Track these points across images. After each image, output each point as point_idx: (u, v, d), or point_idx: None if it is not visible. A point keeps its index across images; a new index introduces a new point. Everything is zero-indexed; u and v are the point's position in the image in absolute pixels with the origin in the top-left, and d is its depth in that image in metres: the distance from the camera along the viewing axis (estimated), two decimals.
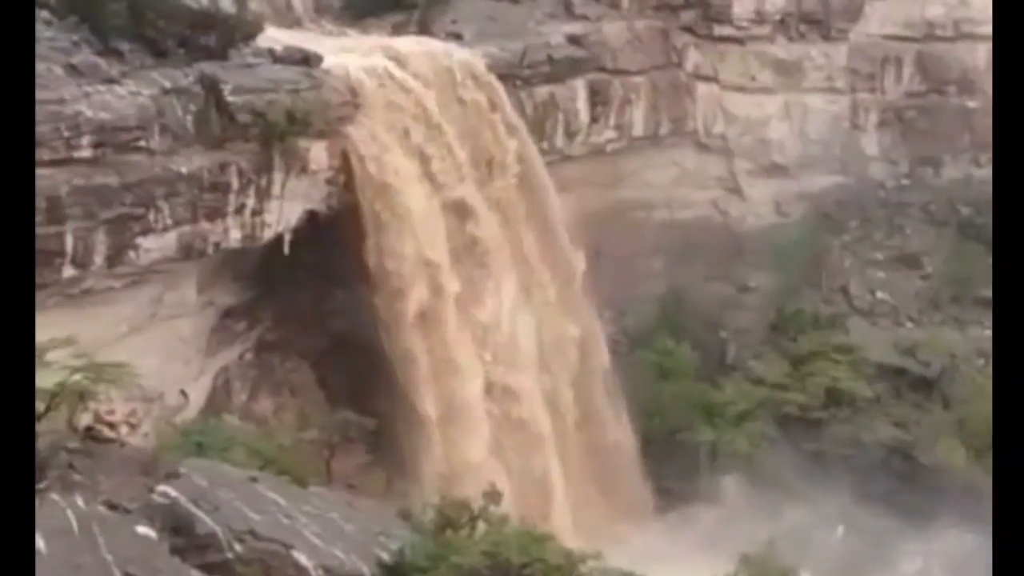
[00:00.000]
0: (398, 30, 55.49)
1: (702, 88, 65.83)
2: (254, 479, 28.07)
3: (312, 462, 39.87)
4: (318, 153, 45.93)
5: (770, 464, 56.15)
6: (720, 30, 65.26)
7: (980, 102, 64.76)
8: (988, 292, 61.18)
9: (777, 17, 65.98)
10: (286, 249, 46.20)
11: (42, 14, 41.64)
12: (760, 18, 65.73)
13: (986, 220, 62.92)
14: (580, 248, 55.54)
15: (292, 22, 53.52)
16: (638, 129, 63.13)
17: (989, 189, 68.13)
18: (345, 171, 46.78)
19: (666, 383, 59.40)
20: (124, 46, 42.63)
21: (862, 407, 58.42)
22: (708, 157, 66.76)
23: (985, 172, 64.96)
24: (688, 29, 65.11)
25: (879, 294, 64.07)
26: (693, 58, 65.41)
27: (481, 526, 32.39)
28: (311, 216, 46.67)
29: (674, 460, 56.41)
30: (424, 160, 48.80)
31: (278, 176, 44.97)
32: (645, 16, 63.81)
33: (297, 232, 46.29)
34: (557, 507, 50.78)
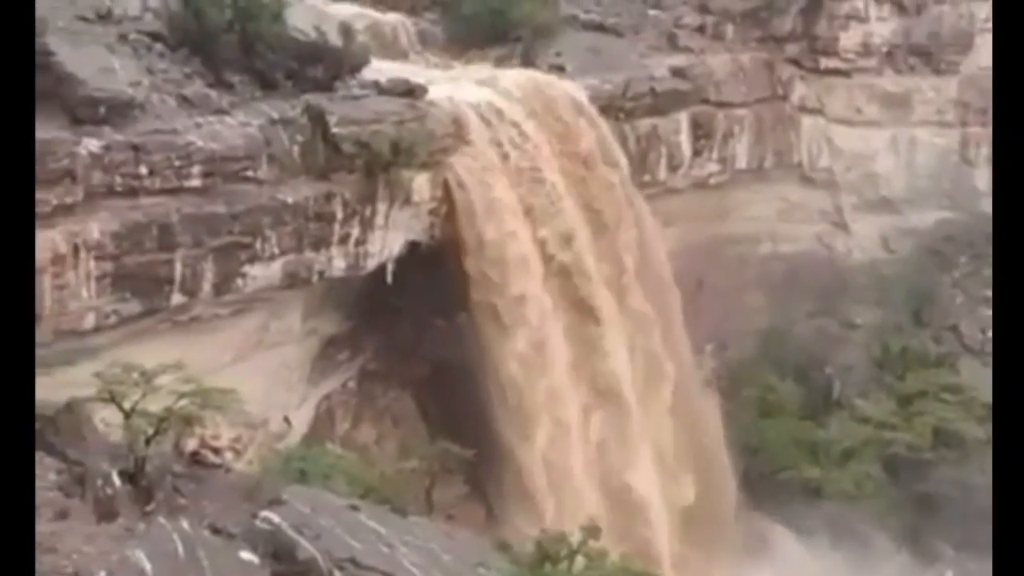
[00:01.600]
0: (502, 63, 55.74)
1: (807, 121, 65.08)
2: (355, 507, 28.13)
3: (412, 491, 39.90)
4: (421, 184, 46.22)
5: (876, 505, 54.87)
6: (826, 62, 64.54)
7: None
8: None
9: (885, 49, 65.08)
10: (389, 278, 46.50)
11: (156, 47, 42.70)
12: (867, 50, 64.87)
13: None
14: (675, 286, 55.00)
15: (398, 54, 54.05)
16: (741, 162, 62.50)
17: None
18: (447, 202, 47.01)
19: (769, 420, 58.51)
20: (234, 78, 43.44)
21: (972, 449, 56.79)
22: (813, 191, 65.87)
23: None
24: (793, 61, 64.49)
25: (990, 333, 62.40)
26: (798, 90, 64.73)
27: (580, 560, 32.09)
28: (413, 246, 46.96)
29: (776, 498, 55.36)
30: (526, 191, 48.83)
31: (382, 206, 45.34)
32: (750, 48, 63.31)
33: (399, 262, 46.60)
34: (657, 542, 50.11)
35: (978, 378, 59.71)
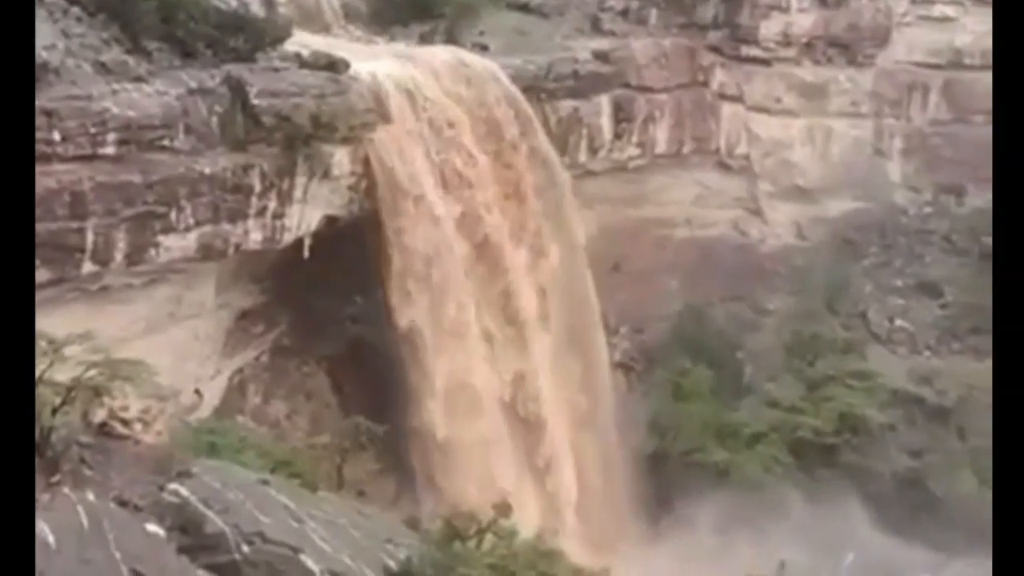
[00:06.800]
0: (425, 39, 55.64)
1: (727, 108, 65.79)
2: (265, 482, 28.07)
3: (323, 467, 39.79)
4: (341, 159, 46.06)
5: (782, 488, 55.88)
6: (747, 51, 65.28)
7: None
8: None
9: (804, 40, 65.98)
10: (306, 253, 46.29)
11: (73, 10, 41.88)
12: (787, 40, 65.71)
13: None
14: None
15: (321, 27, 53.66)
16: (661, 147, 63.07)
17: None
18: (367, 177, 46.88)
19: (681, 402, 59.17)
20: (153, 45, 42.83)
21: (877, 434, 58.09)
22: (730, 177, 66.67)
23: None
24: (715, 49, 65.15)
25: (898, 321, 63.79)
26: (719, 78, 65.40)
27: (490, 538, 32.31)
28: (331, 221, 46.77)
29: (686, 480, 56.16)
30: (445, 169, 48.86)
31: (300, 180, 45.07)
32: (672, 34, 63.86)
33: (317, 237, 46.39)
34: (567, 521, 50.64)
35: (884, 364, 61.18)
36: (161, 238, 40.93)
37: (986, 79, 65.21)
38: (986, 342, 60.99)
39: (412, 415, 48.49)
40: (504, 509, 35.47)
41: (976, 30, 66.26)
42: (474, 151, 49.97)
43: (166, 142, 40.95)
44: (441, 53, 52.85)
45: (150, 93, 40.99)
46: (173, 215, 41.02)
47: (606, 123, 59.87)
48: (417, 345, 48.35)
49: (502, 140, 51.41)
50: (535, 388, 51.46)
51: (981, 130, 65.67)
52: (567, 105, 57.64)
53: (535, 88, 55.20)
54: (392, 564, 26.75)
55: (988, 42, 65.31)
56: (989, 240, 63.06)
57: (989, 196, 64.01)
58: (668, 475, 56.54)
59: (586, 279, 54.62)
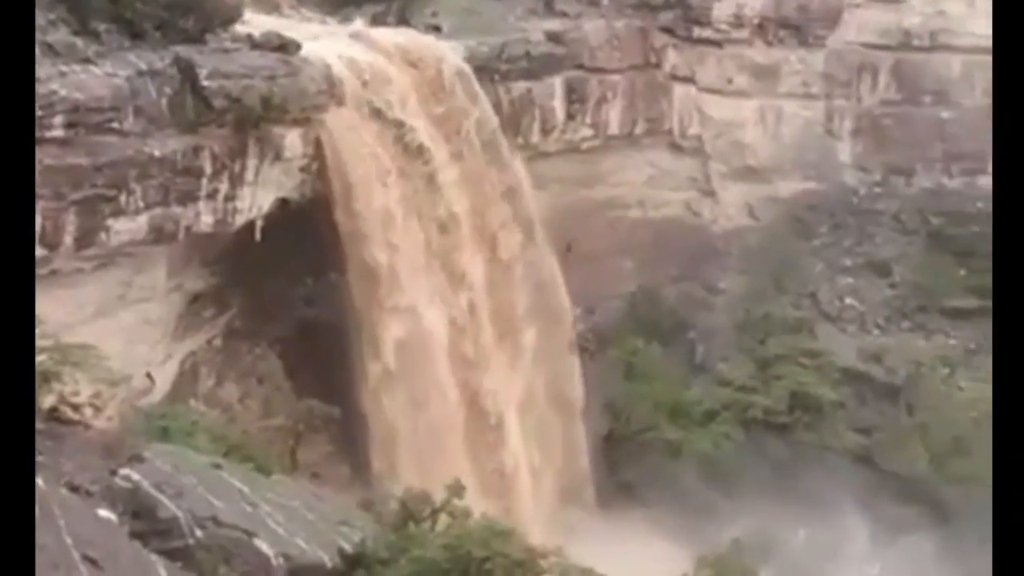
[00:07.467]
0: (377, 20, 55.39)
1: (679, 89, 65.92)
2: (218, 466, 28.10)
3: (276, 450, 39.83)
4: (293, 140, 45.83)
5: (734, 466, 56.45)
6: (699, 32, 65.39)
7: (954, 113, 65.39)
8: (955, 302, 62.07)
9: (756, 21, 66.18)
10: (257, 235, 46.10)
11: None
12: (739, 22, 65.89)
13: (955, 231, 63.78)
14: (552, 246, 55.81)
15: (272, 8, 53.31)
16: (614, 128, 63.21)
17: (959, 200, 68.50)
18: (319, 159, 46.70)
19: (634, 382, 59.57)
20: (101, 27, 42.38)
21: (827, 412, 58.76)
22: (683, 158, 66.91)
23: (956, 183, 65.75)
24: (667, 30, 65.21)
25: (847, 300, 64.43)
26: (671, 59, 65.50)
27: (443, 519, 32.52)
28: (283, 203, 46.56)
29: (639, 459, 56.64)
30: (399, 150, 48.75)
31: (252, 162, 44.84)
32: (625, 15, 63.88)
33: (269, 219, 46.18)
34: (520, 500, 50.88)
35: (834, 343, 61.83)
36: (111, 221, 40.62)
37: (935, 60, 66.28)
38: (933, 321, 62.17)
39: (363, 397, 48.36)
40: (457, 490, 35.74)
41: (925, 11, 66.88)
42: (426, 131, 49.79)
43: (115, 124, 40.57)
44: (393, 34, 52.66)
45: (98, 75, 40.59)
46: (123, 198, 40.70)
47: (559, 104, 59.93)
48: (367, 323, 47.89)
49: (455, 120, 51.29)
50: (487, 364, 51.38)
51: (930, 111, 66.58)
52: (520, 86, 57.64)
53: (488, 69, 55.14)
54: (347, 546, 26.86)
55: (936, 23, 66.25)
56: (936, 220, 64.46)
57: (937, 177, 65.95)
58: (622, 454, 56.95)
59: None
